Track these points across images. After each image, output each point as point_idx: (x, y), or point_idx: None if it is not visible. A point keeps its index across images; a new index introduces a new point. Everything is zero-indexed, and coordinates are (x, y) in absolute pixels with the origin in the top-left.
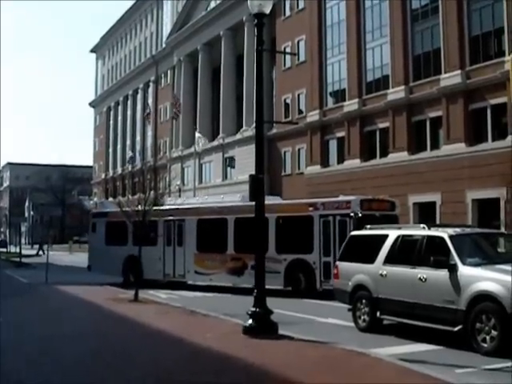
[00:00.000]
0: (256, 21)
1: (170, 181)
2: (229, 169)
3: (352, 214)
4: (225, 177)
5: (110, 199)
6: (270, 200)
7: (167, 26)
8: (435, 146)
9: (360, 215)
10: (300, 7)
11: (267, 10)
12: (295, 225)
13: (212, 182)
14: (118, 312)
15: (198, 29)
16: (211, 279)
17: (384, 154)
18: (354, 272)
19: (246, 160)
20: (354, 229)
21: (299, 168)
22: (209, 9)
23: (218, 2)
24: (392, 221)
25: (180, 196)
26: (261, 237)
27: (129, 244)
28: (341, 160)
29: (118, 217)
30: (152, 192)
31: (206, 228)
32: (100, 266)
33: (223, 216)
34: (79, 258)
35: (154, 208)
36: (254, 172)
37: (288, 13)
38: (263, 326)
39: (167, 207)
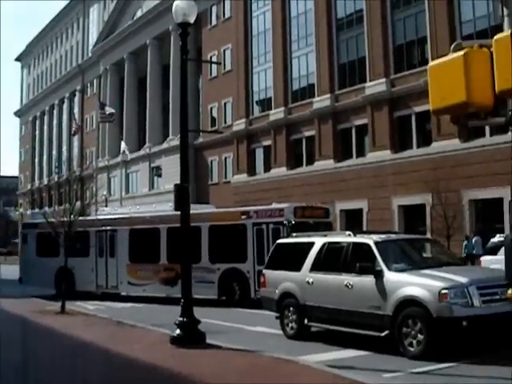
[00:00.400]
0: (181, 30)
1: (96, 191)
2: (156, 178)
3: (285, 222)
4: (151, 186)
5: (37, 210)
6: (203, 208)
7: (93, 34)
8: (361, 153)
9: (293, 223)
10: (226, 16)
11: (191, 20)
12: (228, 233)
13: (139, 192)
14: (43, 324)
15: (124, 38)
16: (144, 290)
17: (310, 161)
18: (280, 280)
19: (172, 169)
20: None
21: (226, 177)
22: (135, 18)
23: (144, 11)
24: (326, 228)
25: (107, 206)
26: (187, 246)
27: (61, 255)
28: (267, 168)
29: (48, 228)
30: (78, 202)
31: (138, 238)
32: (32, 278)
33: (155, 226)
34: (5, 269)
35: (86, 218)
36: (179, 181)
37: (214, 22)
38: (190, 336)
39: (99, 217)
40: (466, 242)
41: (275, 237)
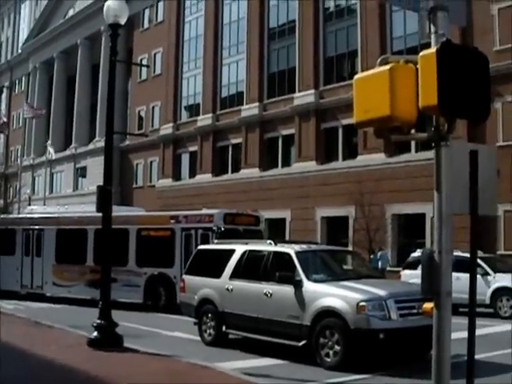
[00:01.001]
0: (111, 31)
1: (19, 189)
2: (80, 179)
3: (215, 228)
4: (76, 187)
5: None
6: (133, 211)
7: (24, 31)
8: (287, 163)
9: (223, 229)
10: (159, 20)
11: (122, 21)
12: (156, 237)
13: (63, 192)
14: None
15: (55, 36)
16: (70, 291)
17: (236, 169)
18: (200, 286)
19: (98, 171)
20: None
21: (151, 180)
22: (67, 17)
23: (76, 10)
24: (256, 235)
25: (30, 204)
26: (108, 248)
27: None
28: (193, 174)
29: None
30: (1, 200)
31: (65, 238)
32: None
33: (83, 227)
34: None
35: (13, 216)
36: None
37: (146, 25)
38: (108, 339)
39: (26, 216)
40: (372, 256)
41: (204, 243)
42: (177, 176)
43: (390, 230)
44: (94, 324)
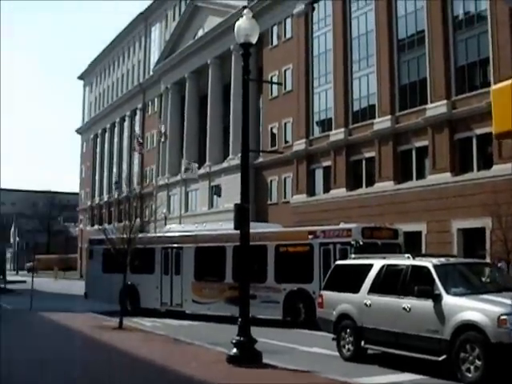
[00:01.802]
0: (242, 50)
1: (155, 208)
2: (215, 197)
3: (353, 243)
4: (211, 205)
5: (96, 226)
6: (270, 227)
7: (155, 53)
8: (421, 175)
9: (361, 243)
10: (287, 36)
11: (254, 40)
12: (295, 253)
13: (198, 210)
14: (101, 339)
15: (185, 57)
16: (209, 308)
17: (370, 183)
18: (338, 301)
19: (232, 188)
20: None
21: (285, 197)
22: (196, 37)
23: (205, 30)
24: (395, 249)
25: (166, 224)
26: (247, 265)
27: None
28: (327, 189)
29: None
30: (138, 219)
31: (203, 256)
32: (97, 294)
33: (221, 244)
34: (64, 284)
35: (152, 235)
36: (239, 200)
37: (275, 42)
38: (247, 355)
39: (165, 234)
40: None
41: (342, 257)
42: (311, 191)
43: None
44: (234, 341)
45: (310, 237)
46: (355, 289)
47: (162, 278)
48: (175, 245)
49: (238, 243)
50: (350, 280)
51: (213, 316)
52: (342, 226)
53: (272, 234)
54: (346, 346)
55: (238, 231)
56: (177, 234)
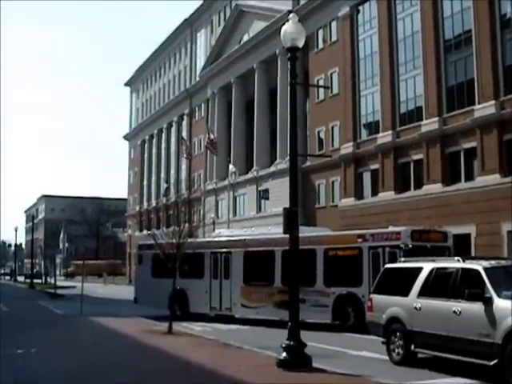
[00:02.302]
0: (289, 54)
1: (204, 213)
2: (263, 201)
3: (402, 246)
4: (259, 209)
5: (144, 231)
6: (318, 231)
7: (201, 59)
8: (470, 177)
9: (410, 246)
10: (333, 40)
11: (300, 44)
12: (344, 257)
13: (246, 215)
14: (151, 344)
15: (231, 62)
16: (258, 312)
17: (418, 185)
18: (387, 305)
19: (279, 192)
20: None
21: (333, 200)
22: (242, 42)
23: (251, 35)
24: (444, 252)
25: (214, 229)
26: (296, 269)
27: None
28: (375, 192)
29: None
30: (186, 224)
31: (252, 260)
32: (147, 299)
33: (270, 248)
34: (113, 289)
35: (201, 240)
36: (288, 204)
37: (321, 45)
38: (297, 359)
39: (213, 239)
40: None
41: (392, 261)
42: (359, 195)
43: None
44: (283, 345)
45: (359, 240)
46: (405, 292)
47: (212, 283)
48: (224, 249)
49: (287, 247)
50: (400, 283)
51: (262, 320)
52: (391, 229)
53: (321, 238)
54: (396, 350)
55: (287, 235)
56: (225, 239)
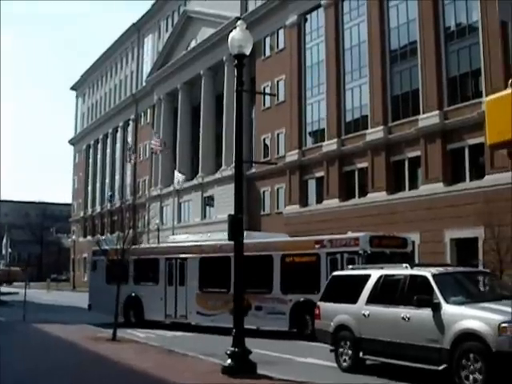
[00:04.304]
0: (236, 61)
1: (148, 219)
2: (208, 208)
3: (361, 252)
4: (204, 216)
5: (89, 237)
6: (276, 237)
7: (148, 64)
8: (414, 185)
9: (369, 252)
10: (280, 47)
11: (247, 51)
12: (301, 263)
13: (191, 221)
14: (95, 351)
15: (178, 68)
16: (213, 320)
17: (363, 193)
18: (335, 312)
19: (225, 199)
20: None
21: (278, 207)
22: (189, 48)
23: (198, 41)
24: (404, 259)
25: (159, 235)
26: (241, 276)
27: (130, 283)
28: (320, 200)
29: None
30: (131, 230)
31: (208, 266)
32: (101, 306)
33: (226, 254)
34: (57, 296)
35: (156, 246)
36: (233, 211)
37: (268, 53)
38: (241, 366)
39: (169, 245)
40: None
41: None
42: (304, 202)
43: None
44: (228, 351)
45: (317, 246)
46: (353, 300)
47: (167, 289)
48: (179, 255)
49: (244, 253)
50: (348, 291)
51: (208, 328)
52: (350, 235)
53: (277, 244)
54: (344, 357)
55: (246, 241)
56: (181, 245)
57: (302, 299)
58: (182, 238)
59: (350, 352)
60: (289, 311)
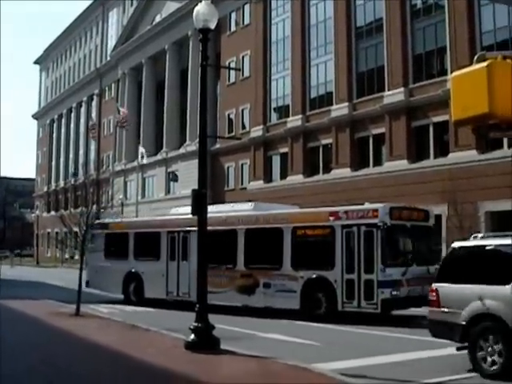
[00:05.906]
0: (201, 36)
1: (112, 195)
2: (172, 183)
3: (380, 224)
4: (167, 191)
5: (52, 212)
6: (285, 209)
7: (112, 38)
8: (378, 162)
9: (389, 225)
10: (245, 23)
11: (212, 26)
12: (314, 237)
13: (155, 197)
14: (58, 326)
15: (143, 42)
16: (218, 298)
17: (327, 170)
18: (469, 297)
19: (189, 175)
20: (383, 241)
21: (242, 183)
22: (154, 23)
23: (163, 16)
24: (425, 233)
25: (122, 211)
26: (204, 251)
27: (130, 258)
28: (284, 175)
29: (120, 228)
30: (94, 206)
31: (213, 240)
32: (99, 283)
33: (232, 227)
34: (21, 271)
35: (157, 218)
36: (196, 187)
37: (233, 28)
38: (205, 341)
39: (171, 217)
40: None
41: (367, 241)
42: (268, 178)
43: (484, 227)
44: (191, 327)
45: (332, 218)
46: (498, 279)
47: (168, 265)
48: (182, 228)
49: (251, 226)
50: (486, 267)
51: (172, 303)
52: (368, 205)
53: (288, 216)
54: (490, 358)
55: (252, 213)
56: (183, 217)
57: (314, 276)
58: (186, 210)
59: (498, 351)
60: (300, 289)
